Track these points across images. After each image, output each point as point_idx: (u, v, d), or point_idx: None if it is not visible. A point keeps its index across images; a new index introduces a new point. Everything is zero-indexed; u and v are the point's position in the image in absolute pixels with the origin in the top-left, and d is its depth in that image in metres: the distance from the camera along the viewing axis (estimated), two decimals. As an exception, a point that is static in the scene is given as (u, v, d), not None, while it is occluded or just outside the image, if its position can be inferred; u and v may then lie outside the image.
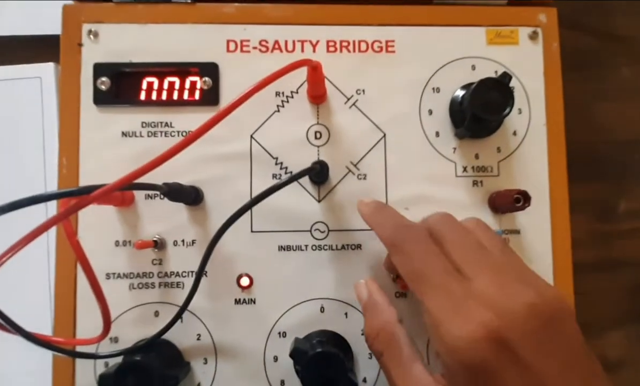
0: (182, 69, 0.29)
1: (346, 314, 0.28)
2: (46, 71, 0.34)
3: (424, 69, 0.30)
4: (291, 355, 0.25)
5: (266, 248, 0.28)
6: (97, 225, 0.28)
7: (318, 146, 0.29)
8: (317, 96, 0.29)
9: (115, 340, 0.27)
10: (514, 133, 0.30)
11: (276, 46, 0.29)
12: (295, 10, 0.30)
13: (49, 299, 0.32)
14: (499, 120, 0.28)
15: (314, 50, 0.29)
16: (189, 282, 0.28)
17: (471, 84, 0.27)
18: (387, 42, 0.30)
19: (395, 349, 0.21)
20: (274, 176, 0.29)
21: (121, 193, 0.26)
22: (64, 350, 0.24)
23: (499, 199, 0.28)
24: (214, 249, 0.25)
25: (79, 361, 0.27)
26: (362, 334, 0.28)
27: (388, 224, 0.23)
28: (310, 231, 0.29)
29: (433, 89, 0.30)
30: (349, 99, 0.29)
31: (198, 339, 0.28)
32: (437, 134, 0.29)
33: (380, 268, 0.28)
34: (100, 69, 0.28)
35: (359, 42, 0.30)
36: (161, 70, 0.29)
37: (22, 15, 0.35)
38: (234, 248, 0.28)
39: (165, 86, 0.29)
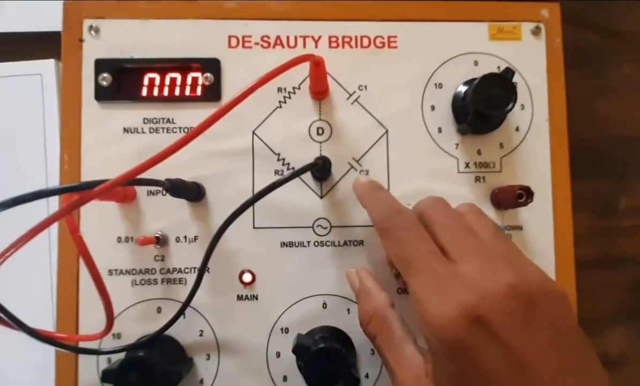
0: (184, 65, 0.29)
1: (348, 310, 0.28)
2: (47, 67, 0.34)
3: (427, 64, 0.30)
4: (294, 351, 0.25)
5: (268, 244, 0.28)
6: (100, 221, 0.28)
7: (320, 142, 0.29)
8: (320, 91, 0.28)
9: (117, 336, 0.27)
10: (517, 129, 0.30)
11: (278, 42, 0.29)
12: (297, 6, 0.29)
13: (51, 295, 0.32)
14: (502, 116, 0.28)
15: (316, 46, 0.29)
16: (191, 278, 0.28)
17: (474, 79, 0.27)
18: (389, 37, 0.30)
19: (387, 332, 0.22)
20: (276, 172, 0.29)
21: (123, 189, 0.26)
22: (67, 345, 0.24)
23: (501, 195, 0.28)
24: (217, 245, 0.25)
25: (82, 357, 0.27)
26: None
27: (380, 208, 0.23)
28: (313, 227, 0.29)
29: (435, 84, 0.29)
30: (351, 95, 0.29)
31: (201, 335, 0.28)
32: (440, 130, 0.29)
33: (382, 263, 0.28)
34: (101, 65, 0.28)
35: (361, 37, 0.29)
36: (163, 66, 0.29)
37: (22, 12, 0.35)
38: (236, 244, 0.28)
39: (167, 81, 0.29)
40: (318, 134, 0.29)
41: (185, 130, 0.29)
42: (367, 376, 0.28)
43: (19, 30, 0.34)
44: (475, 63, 0.30)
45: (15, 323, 0.20)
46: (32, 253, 0.33)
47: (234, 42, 0.29)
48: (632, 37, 0.38)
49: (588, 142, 0.36)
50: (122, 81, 0.29)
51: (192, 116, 0.29)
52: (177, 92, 0.29)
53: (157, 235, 0.28)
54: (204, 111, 0.28)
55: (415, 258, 0.20)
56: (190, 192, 0.26)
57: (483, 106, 0.26)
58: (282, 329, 0.28)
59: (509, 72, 0.26)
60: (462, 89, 0.29)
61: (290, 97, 0.29)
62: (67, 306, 0.27)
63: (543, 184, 0.29)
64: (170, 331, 0.26)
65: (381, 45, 0.29)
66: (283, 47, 0.29)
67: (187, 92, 0.29)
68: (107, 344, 0.27)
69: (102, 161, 0.28)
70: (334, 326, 0.28)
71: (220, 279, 0.28)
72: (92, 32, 0.29)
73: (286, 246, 0.28)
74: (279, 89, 0.29)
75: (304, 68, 0.27)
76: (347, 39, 0.29)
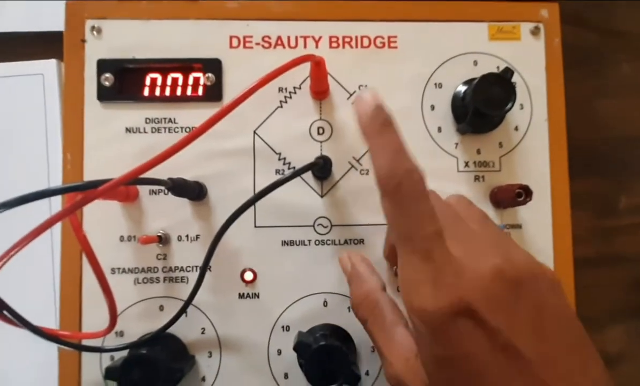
0: (186, 65, 0.29)
1: (349, 308, 0.28)
2: (48, 67, 0.34)
3: (426, 64, 0.30)
4: (295, 349, 0.25)
5: (270, 243, 0.28)
6: (102, 221, 0.28)
7: (321, 142, 0.29)
8: (320, 91, 0.29)
9: (120, 334, 0.28)
10: (516, 128, 0.30)
11: (279, 42, 0.29)
12: (298, 6, 0.30)
13: (53, 294, 0.33)
14: (501, 115, 0.28)
15: (316, 46, 0.29)
16: (193, 277, 0.28)
17: (473, 79, 0.28)
18: (389, 37, 0.30)
19: (378, 316, 0.22)
20: (277, 171, 0.29)
21: (126, 188, 0.27)
22: (70, 343, 0.24)
23: (500, 194, 0.28)
24: (218, 244, 0.25)
25: (85, 355, 0.27)
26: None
27: (387, 159, 0.19)
28: (313, 226, 0.29)
29: (435, 84, 0.30)
30: (351, 95, 0.29)
31: (202, 333, 0.28)
32: (439, 129, 0.30)
33: (382, 262, 0.29)
34: (103, 65, 0.29)
35: (362, 37, 0.30)
36: (164, 66, 0.29)
37: (24, 12, 0.35)
38: (237, 243, 0.28)
39: (169, 82, 0.29)
40: (319, 133, 0.29)
41: (187, 130, 0.29)
42: (367, 373, 0.28)
43: (21, 30, 0.35)
44: (475, 63, 0.30)
45: (20, 321, 0.21)
46: (35, 252, 0.33)
47: (235, 42, 0.29)
48: (631, 37, 0.38)
49: (588, 142, 0.36)
50: (124, 81, 0.29)
51: (193, 115, 0.29)
52: (178, 92, 0.29)
53: (159, 234, 0.28)
54: (206, 111, 0.29)
55: (418, 237, 0.18)
56: (192, 191, 0.27)
57: (482, 106, 0.26)
58: (283, 327, 0.28)
59: (508, 72, 0.26)
60: (462, 88, 0.29)
61: (291, 97, 0.29)
62: (70, 305, 0.27)
63: (542, 183, 0.29)
64: (172, 329, 0.27)
65: (381, 45, 0.30)
66: (284, 47, 0.29)
67: (189, 92, 0.29)
68: (110, 342, 0.27)
69: (105, 160, 0.28)
70: (335, 324, 0.28)
71: (222, 278, 0.28)
72: (94, 32, 0.29)
73: (287, 244, 0.29)
74: (280, 89, 0.29)
75: (305, 68, 0.27)
76: (347, 39, 0.30)
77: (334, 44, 0.30)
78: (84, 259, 0.28)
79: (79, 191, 0.20)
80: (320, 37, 0.30)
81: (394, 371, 0.20)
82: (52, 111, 0.34)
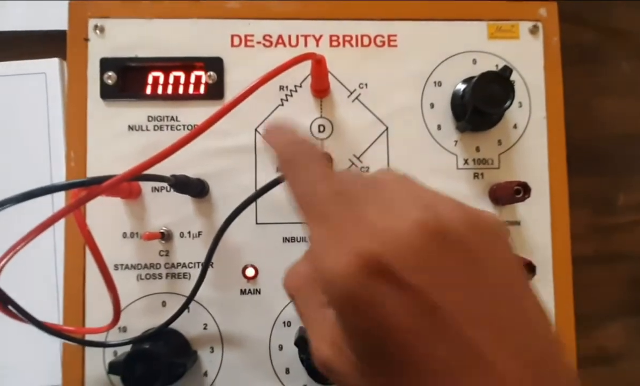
0: (188, 64, 0.29)
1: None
2: (51, 66, 0.34)
3: (426, 63, 0.30)
4: (296, 344, 0.25)
5: (271, 240, 0.29)
6: (105, 217, 0.28)
7: (321, 139, 0.29)
8: (321, 89, 0.29)
9: (123, 329, 0.28)
10: (515, 126, 0.30)
11: (280, 41, 0.30)
12: (299, 5, 0.30)
13: (56, 290, 0.33)
14: (500, 113, 0.29)
15: (317, 45, 0.30)
16: (195, 273, 0.28)
17: (472, 77, 0.28)
18: (389, 36, 0.30)
19: (305, 295, 0.19)
20: (278, 169, 0.29)
21: (129, 185, 0.27)
22: (74, 338, 0.25)
23: (499, 190, 0.29)
24: (220, 240, 0.25)
25: (89, 350, 0.28)
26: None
27: (280, 139, 0.19)
28: (314, 222, 0.29)
29: (435, 82, 0.30)
30: (351, 93, 0.30)
31: (205, 328, 0.28)
32: (439, 127, 0.30)
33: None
34: (106, 64, 0.29)
35: (362, 36, 0.30)
36: (167, 64, 0.29)
37: (26, 12, 0.35)
38: (239, 240, 0.28)
39: (171, 80, 0.29)
40: (319, 131, 0.30)
41: (189, 127, 0.29)
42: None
43: (23, 29, 0.35)
44: (474, 61, 0.30)
45: (25, 316, 0.21)
46: (37, 248, 0.33)
47: (236, 41, 0.30)
48: (630, 35, 0.38)
49: (586, 140, 0.36)
50: (127, 79, 0.29)
51: (195, 113, 0.29)
52: (180, 90, 0.29)
53: (161, 230, 0.28)
54: (207, 109, 0.29)
55: (315, 200, 0.17)
56: (194, 188, 0.27)
57: (482, 104, 0.26)
58: (284, 322, 0.28)
59: (507, 71, 0.27)
60: (461, 87, 0.29)
61: (292, 95, 0.30)
62: (74, 300, 0.28)
63: (540, 181, 0.30)
64: (174, 325, 0.27)
65: (381, 44, 0.30)
66: (285, 46, 0.30)
67: (191, 90, 0.29)
68: (113, 337, 0.27)
69: (108, 158, 0.29)
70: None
71: (224, 274, 0.28)
72: (97, 31, 0.29)
73: (288, 241, 0.29)
74: (281, 87, 0.29)
75: (305, 67, 0.28)
76: (347, 38, 0.30)
77: (335, 43, 0.30)
78: (88, 255, 0.28)
79: (84, 187, 0.20)
80: (320, 36, 0.30)
81: (320, 356, 0.17)
82: (55, 109, 0.34)
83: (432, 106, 0.30)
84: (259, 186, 0.29)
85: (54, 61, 0.34)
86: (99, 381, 0.27)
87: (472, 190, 0.29)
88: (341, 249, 0.15)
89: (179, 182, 0.26)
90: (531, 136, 0.30)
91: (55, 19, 0.34)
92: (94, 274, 0.27)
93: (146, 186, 0.29)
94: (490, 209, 0.30)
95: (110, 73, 0.29)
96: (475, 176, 0.30)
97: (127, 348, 0.25)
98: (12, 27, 0.35)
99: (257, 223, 0.29)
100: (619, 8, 0.38)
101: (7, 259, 0.20)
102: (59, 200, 0.32)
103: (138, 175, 0.20)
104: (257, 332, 0.28)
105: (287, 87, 0.29)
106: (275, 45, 0.30)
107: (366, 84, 0.30)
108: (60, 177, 0.33)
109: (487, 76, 0.27)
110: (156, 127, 0.29)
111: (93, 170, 0.29)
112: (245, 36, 0.30)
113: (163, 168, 0.22)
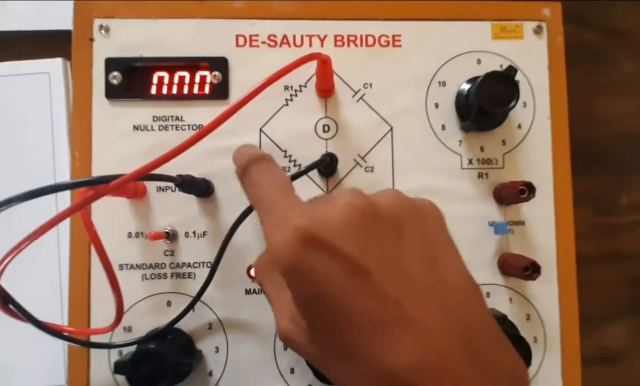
0: (192, 64, 0.29)
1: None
2: (54, 66, 0.34)
3: (430, 63, 0.30)
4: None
5: (276, 239, 0.29)
6: (110, 217, 0.28)
7: (326, 139, 0.29)
8: (326, 89, 0.29)
9: (128, 329, 0.28)
10: (519, 126, 0.30)
11: (284, 41, 0.30)
12: (304, 5, 0.30)
13: (60, 289, 0.33)
14: (505, 113, 0.29)
15: (321, 45, 0.30)
16: (200, 272, 0.28)
17: (477, 77, 0.28)
18: (393, 36, 0.30)
19: (272, 276, 0.21)
20: (283, 168, 0.29)
21: (134, 185, 0.27)
22: (79, 340, 0.25)
23: (503, 190, 0.29)
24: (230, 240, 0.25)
25: (94, 350, 0.28)
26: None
27: (241, 153, 0.23)
28: (319, 222, 0.29)
29: (439, 82, 0.30)
30: (356, 93, 0.30)
31: (209, 328, 0.28)
32: (443, 127, 0.30)
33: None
34: (111, 64, 0.29)
35: (366, 36, 0.30)
36: (171, 64, 0.29)
37: (29, 11, 0.35)
38: (244, 240, 0.28)
39: (176, 80, 0.29)
40: (324, 131, 0.30)
41: (194, 127, 0.29)
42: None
43: (27, 29, 0.35)
44: (478, 61, 0.30)
45: (26, 316, 0.21)
46: (41, 247, 0.33)
47: (241, 41, 0.30)
48: (632, 35, 0.38)
49: (589, 139, 0.37)
50: (132, 79, 0.29)
51: (200, 113, 0.29)
52: (185, 90, 0.29)
53: (167, 230, 0.28)
54: (212, 109, 0.29)
55: (264, 196, 0.20)
56: (199, 188, 0.27)
57: (486, 104, 0.27)
58: (289, 322, 0.28)
59: (511, 71, 0.27)
60: (466, 87, 0.29)
61: (296, 95, 0.30)
62: (79, 301, 0.28)
63: (545, 180, 0.30)
64: (180, 324, 0.27)
65: (386, 44, 0.30)
66: (289, 46, 0.30)
67: (196, 90, 0.29)
68: (119, 337, 0.27)
69: (113, 158, 0.29)
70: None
71: (229, 274, 0.28)
72: (102, 31, 0.29)
73: (293, 241, 0.29)
74: (286, 87, 0.29)
75: (310, 67, 0.28)
76: (352, 38, 0.30)
77: (339, 43, 0.30)
78: (93, 255, 0.28)
79: (90, 186, 0.20)
80: (325, 36, 0.30)
81: (281, 330, 0.20)
82: (58, 109, 0.34)
83: (436, 106, 0.30)
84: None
85: (58, 61, 0.34)
86: (104, 381, 0.27)
87: (476, 190, 0.30)
88: (283, 228, 0.17)
89: (184, 182, 0.26)
90: (535, 135, 0.30)
91: (59, 18, 0.34)
92: (99, 274, 0.27)
93: (151, 186, 0.29)
94: (495, 209, 0.30)
95: (115, 73, 0.29)
96: (480, 175, 0.30)
97: (133, 348, 0.25)
98: (15, 27, 0.35)
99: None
100: (620, 8, 0.38)
101: (11, 257, 0.20)
102: (63, 200, 0.32)
103: (145, 175, 0.20)
104: (262, 332, 0.28)
105: (292, 87, 0.30)
106: (280, 45, 0.30)
107: (371, 84, 0.30)
108: (63, 177, 0.33)
109: (492, 76, 0.27)
110: (161, 127, 0.29)
111: (98, 170, 0.29)
112: (250, 36, 0.30)
113: (168, 168, 0.22)
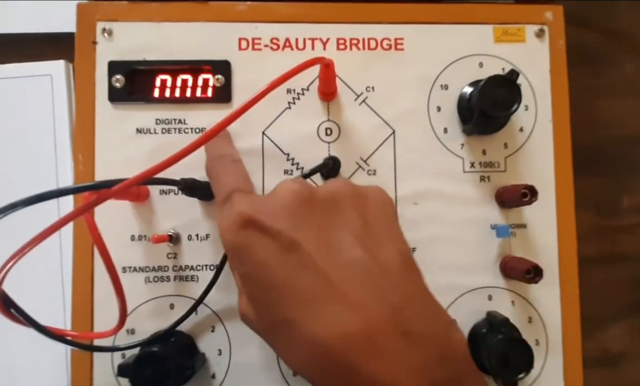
0: (195, 67, 0.29)
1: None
2: (57, 68, 0.34)
3: (433, 66, 0.30)
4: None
5: (278, 242, 0.29)
6: (113, 220, 0.28)
7: (329, 142, 0.30)
8: (328, 93, 0.29)
9: (132, 331, 0.28)
10: (521, 129, 0.30)
11: (287, 44, 0.30)
12: (306, 9, 0.30)
13: (62, 293, 0.33)
14: (507, 116, 0.29)
15: (324, 48, 0.30)
16: (203, 275, 0.28)
17: (479, 81, 0.28)
18: (396, 39, 0.30)
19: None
20: (286, 171, 0.29)
21: (137, 188, 0.27)
22: (82, 344, 0.25)
23: (506, 194, 0.29)
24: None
25: (97, 353, 0.28)
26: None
27: (209, 153, 0.26)
28: (321, 225, 0.29)
29: (441, 86, 0.30)
30: (358, 96, 0.30)
31: (212, 331, 0.28)
32: (445, 130, 0.30)
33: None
34: (114, 67, 0.29)
35: (369, 39, 0.30)
36: (174, 67, 0.29)
37: (32, 13, 0.35)
38: (246, 242, 0.29)
39: (179, 83, 0.29)
40: (326, 134, 0.30)
41: (197, 130, 0.29)
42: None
43: (29, 31, 0.35)
44: (480, 65, 0.30)
45: (27, 321, 0.21)
46: (43, 252, 0.33)
47: (244, 44, 0.30)
48: (634, 37, 0.38)
49: (590, 141, 0.37)
50: (135, 82, 0.29)
51: (203, 116, 0.29)
52: (188, 93, 0.29)
53: (170, 233, 0.28)
54: (215, 112, 0.29)
55: (221, 189, 0.22)
56: (202, 191, 0.27)
57: (488, 107, 0.27)
58: (291, 325, 0.29)
59: (513, 74, 0.27)
60: (468, 90, 0.29)
61: (299, 99, 0.30)
62: (82, 304, 0.28)
63: (547, 183, 0.30)
64: (182, 327, 0.27)
65: (388, 47, 0.30)
66: (292, 49, 0.30)
67: (198, 93, 0.29)
68: (122, 340, 0.28)
69: (116, 161, 0.29)
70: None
71: (231, 277, 0.28)
72: (105, 34, 0.29)
73: (296, 244, 0.29)
74: (288, 91, 0.30)
75: (313, 70, 0.27)
76: (354, 41, 0.30)
77: (342, 46, 0.30)
78: (95, 258, 0.28)
79: (94, 190, 0.20)
80: (327, 39, 0.30)
81: (240, 311, 0.21)
82: (61, 112, 0.34)
83: (438, 109, 0.30)
84: (266, 189, 0.29)
85: (60, 63, 0.34)
86: (107, 384, 0.27)
87: (478, 193, 0.30)
88: (228, 216, 0.20)
89: (188, 186, 0.26)
90: (537, 139, 0.30)
91: (62, 21, 0.34)
92: (103, 278, 0.27)
93: (154, 189, 0.29)
94: (497, 212, 0.30)
95: (118, 76, 0.29)
96: (482, 179, 0.30)
97: (136, 351, 0.26)
98: (18, 29, 0.35)
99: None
100: (621, 9, 0.38)
101: (14, 262, 0.20)
102: (65, 204, 0.32)
103: (149, 179, 0.20)
104: (265, 334, 0.28)
105: (294, 90, 0.30)
106: (283, 49, 0.30)
107: (373, 88, 0.30)
108: (66, 180, 0.33)
109: (494, 80, 0.27)
110: (164, 130, 0.29)
111: (101, 173, 0.29)
112: (253, 39, 0.30)
113: (170, 171, 0.22)
